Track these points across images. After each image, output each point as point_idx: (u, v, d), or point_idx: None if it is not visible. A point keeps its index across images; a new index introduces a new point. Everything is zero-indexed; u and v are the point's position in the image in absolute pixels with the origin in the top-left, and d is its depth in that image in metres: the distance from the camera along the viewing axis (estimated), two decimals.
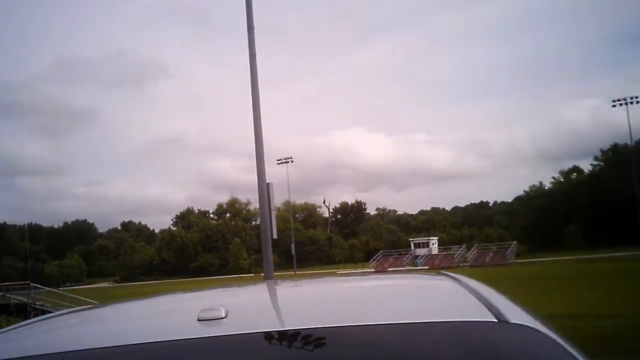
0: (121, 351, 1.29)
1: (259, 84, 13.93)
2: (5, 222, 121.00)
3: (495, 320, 1.29)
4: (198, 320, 1.38)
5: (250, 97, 13.83)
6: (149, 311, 1.99)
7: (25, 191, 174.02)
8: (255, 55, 13.95)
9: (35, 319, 2.02)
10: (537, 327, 1.30)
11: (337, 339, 1.27)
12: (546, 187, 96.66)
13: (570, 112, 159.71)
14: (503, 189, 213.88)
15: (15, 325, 1.86)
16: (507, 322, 1.29)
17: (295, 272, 63.85)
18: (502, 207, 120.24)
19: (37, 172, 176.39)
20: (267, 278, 13.43)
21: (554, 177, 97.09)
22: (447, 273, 2.16)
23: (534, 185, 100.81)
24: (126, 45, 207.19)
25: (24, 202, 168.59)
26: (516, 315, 1.36)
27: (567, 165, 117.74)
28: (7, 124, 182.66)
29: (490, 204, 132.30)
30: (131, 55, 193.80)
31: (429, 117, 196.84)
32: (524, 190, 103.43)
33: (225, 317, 1.39)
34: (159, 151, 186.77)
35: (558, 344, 1.24)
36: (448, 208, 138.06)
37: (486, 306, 1.40)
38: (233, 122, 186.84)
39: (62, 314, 2.08)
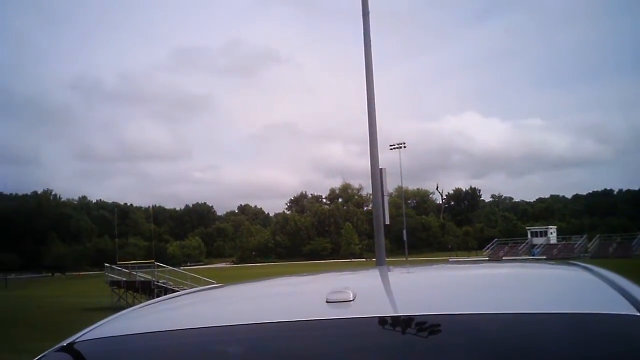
0: (252, 329, 1.33)
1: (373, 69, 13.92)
2: (132, 204, 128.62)
3: (638, 314, 1.21)
4: (327, 302, 1.39)
5: (364, 82, 13.81)
6: (277, 291, 2.03)
7: (149, 175, 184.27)
8: (370, 42, 13.87)
9: (166, 296, 2.13)
10: None
11: (459, 326, 1.25)
12: None
13: None
14: (629, 177, 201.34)
15: (146, 303, 1.96)
16: None
17: (406, 257, 63.50)
18: (627, 196, 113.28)
19: (159, 157, 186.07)
20: (379, 263, 13.49)
21: None
22: (577, 262, 2.05)
23: None
24: (240, 34, 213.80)
25: (148, 185, 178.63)
26: None
27: None
28: (131, 111, 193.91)
29: (615, 192, 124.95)
30: (244, 43, 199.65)
31: (545, 101, 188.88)
32: None
33: (353, 299, 1.39)
34: (272, 137, 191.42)
35: None
36: (568, 196, 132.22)
37: (625, 298, 1.31)
38: (345, 108, 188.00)
39: (188, 293, 2.17)
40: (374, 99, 13.81)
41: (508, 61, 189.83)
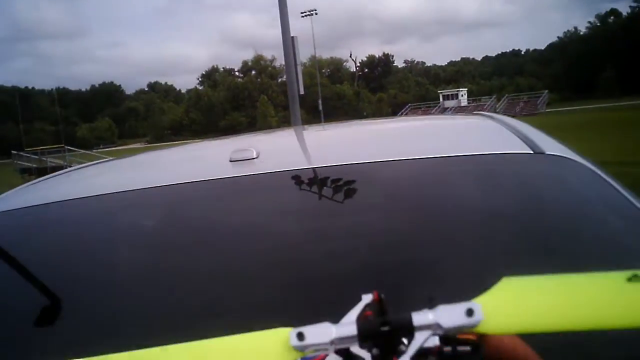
0: (158, 192, 1.33)
1: None
2: (33, 87, 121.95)
3: (531, 152, 1.30)
4: (230, 161, 1.41)
5: None
6: (181, 156, 2.02)
7: (48, 55, 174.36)
8: None
9: (70, 169, 2.05)
10: (574, 157, 1.31)
11: (369, 175, 1.29)
12: (581, 33, 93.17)
13: None
14: (536, 37, 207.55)
15: (52, 175, 1.87)
16: (542, 153, 1.30)
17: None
18: (534, 56, 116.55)
19: (58, 35, 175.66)
20: None
21: (589, 22, 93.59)
22: (482, 112, 2.11)
23: (568, 31, 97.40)
24: None
25: (48, 66, 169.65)
26: (552, 147, 1.36)
27: (604, 8, 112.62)
28: None
29: (523, 52, 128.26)
30: None
31: None
32: (558, 37, 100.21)
33: (257, 157, 1.41)
34: (178, 9, 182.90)
35: (594, 172, 1.25)
36: (478, 58, 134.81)
37: (522, 139, 1.40)
38: None
39: (94, 164, 2.06)
40: None
41: None
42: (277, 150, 1.72)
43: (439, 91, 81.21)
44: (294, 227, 1.20)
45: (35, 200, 1.43)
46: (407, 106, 76.14)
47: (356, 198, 1.24)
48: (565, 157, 1.31)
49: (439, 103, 74.44)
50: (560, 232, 1.11)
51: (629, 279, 0.54)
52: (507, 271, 0.62)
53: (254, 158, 1.41)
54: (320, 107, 62.03)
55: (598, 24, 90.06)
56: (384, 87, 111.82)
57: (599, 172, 1.26)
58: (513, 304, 0.57)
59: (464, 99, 73.29)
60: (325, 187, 1.27)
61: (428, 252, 1.08)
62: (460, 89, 76.58)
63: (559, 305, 0.56)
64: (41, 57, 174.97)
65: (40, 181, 1.77)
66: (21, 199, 1.51)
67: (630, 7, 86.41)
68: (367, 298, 0.70)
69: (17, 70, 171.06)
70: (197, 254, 1.15)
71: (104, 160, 2.15)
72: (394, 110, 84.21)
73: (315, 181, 1.30)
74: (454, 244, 1.08)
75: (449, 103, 72.68)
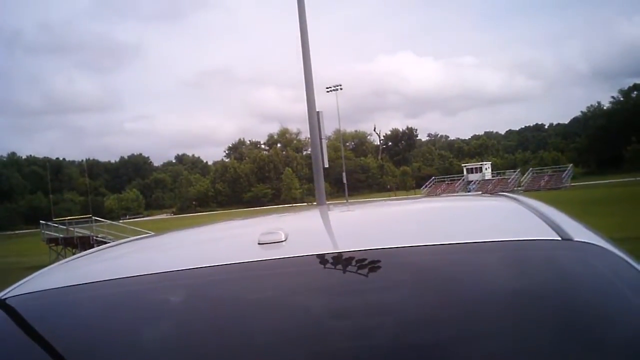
0: (186, 274, 1.33)
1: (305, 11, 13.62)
2: (64, 159, 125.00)
3: (559, 239, 1.27)
4: (259, 244, 1.40)
5: (298, 25, 13.54)
6: (210, 237, 2.01)
7: (80, 128, 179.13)
8: None
9: (100, 247, 2.05)
10: (603, 244, 1.27)
11: (394, 260, 1.27)
12: (605, 107, 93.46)
13: (626, 27, 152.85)
14: (559, 111, 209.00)
15: (78, 255, 1.88)
16: (571, 240, 1.27)
17: (346, 199, 64.18)
18: (557, 129, 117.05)
19: (89, 108, 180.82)
20: (320, 205, 13.52)
21: (612, 97, 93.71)
22: (506, 194, 2.10)
23: (591, 105, 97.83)
24: None
25: (80, 138, 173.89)
26: (580, 233, 1.33)
27: (627, 83, 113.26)
28: (56, 62, 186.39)
29: (546, 127, 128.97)
30: None
31: (477, 39, 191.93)
32: (581, 111, 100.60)
33: (285, 240, 1.40)
34: (206, 84, 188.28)
35: (625, 261, 1.22)
36: (502, 132, 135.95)
37: (549, 225, 1.37)
38: (278, 52, 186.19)
39: (123, 243, 2.10)
40: (308, 40, 13.60)
41: (440, 1, 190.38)
42: (305, 233, 1.74)
43: (462, 164, 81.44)
44: (320, 311, 1.20)
45: (66, 281, 1.46)
46: (432, 179, 76.30)
47: (381, 284, 1.24)
48: (594, 244, 1.27)
49: (462, 176, 74.53)
50: (597, 327, 1.06)
51: None
52: None
53: (282, 241, 1.40)
54: (345, 180, 62.52)
55: (621, 99, 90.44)
56: (407, 160, 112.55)
57: (628, 260, 1.22)
58: None
59: (487, 172, 73.34)
60: (351, 272, 1.27)
61: (453, 345, 1.04)
62: (484, 163, 76.77)
63: None
64: (72, 128, 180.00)
65: (73, 259, 1.84)
66: (44, 280, 1.54)
67: None
68: None
69: (49, 142, 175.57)
70: (230, 337, 1.16)
71: (136, 238, 2.22)
72: (418, 183, 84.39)
73: (341, 266, 1.30)
74: (480, 338, 1.05)
75: (473, 176, 72.74)
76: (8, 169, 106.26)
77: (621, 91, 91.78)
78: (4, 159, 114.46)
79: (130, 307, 1.33)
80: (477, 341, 1.05)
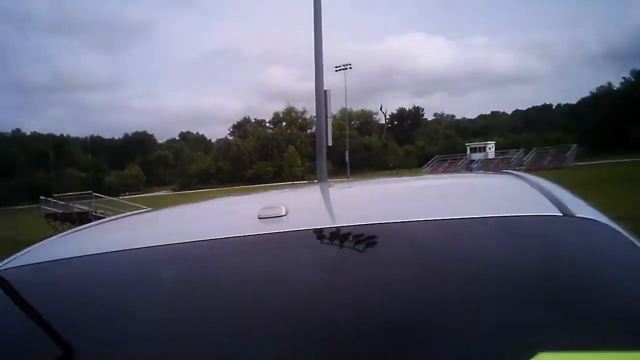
0: (184, 248, 1.34)
1: None
2: (68, 135, 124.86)
3: (561, 214, 1.29)
4: (259, 218, 1.42)
5: (309, 4, 13.36)
6: (211, 211, 2.02)
7: (86, 105, 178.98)
8: None
9: (99, 221, 2.02)
10: (604, 221, 1.30)
11: (393, 234, 1.29)
12: (615, 88, 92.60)
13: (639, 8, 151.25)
14: (569, 92, 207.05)
15: (76, 229, 1.89)
16: (572, 215, 1.29)
17: (348, 178, 63.98)
18: (565, 110, 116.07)
19: (96, 86, 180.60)
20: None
21: (624, 77, 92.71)
22: (510, 171, 2.11)
23: (601, 86, 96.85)
24: None
25: (84, 115, 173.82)
26: (582, 209, 1.35)
27: (638, 65, 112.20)
28: (65, 39, 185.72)
29: (554, 107, 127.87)
30: None
31: (489, 19, 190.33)
32: (590, 92, 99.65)
33: (285, 215, 1.42)
34: (214, 63, 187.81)
35: (624, 236, 1.23)
36: (509, 112, 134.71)
37: (551, 201, 1.40)
38: (287, 32, 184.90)
39: (121, 217, 2.06)
40: (320, 19, 13.44)
41: None
42: (306, 208, 1.71)
43: (466, 144, 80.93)
44: (318, 284, 1.19)
45: (61, 254, 1.45)
46: (434, 158, 76.03)
47: (380, 257, 1.24)
48: (595, 220, 1.29)
49: (465, 155, 74.13)
50: (594, 302, 1.07)
51: None
52: (539, 343, 0.55)
53: (282, 215, 1.42)
54: (347, 158, 62.29)
55: (632, 80, 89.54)
56: (412, 140, 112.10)
57: (629, 236, 1.23)
58: None
59: (491, 152, 72.91)
60: (351, 247, 1.27)
61: (452, 318, 1.03)
62: (488, 142, 76.31)
63: None
64: (78, 106, 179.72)
65: (69, 233, 1.79)
66: (41, 253, 1.52)
67: None
68: None
69: (55, 119, 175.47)
70: (224, 310, 1.15)
71: (134, 212, 2.13)
72: (420, 162, 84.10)
73: (341, 240, 1.30)
74: (479, 312, 1.04)
75: (476, 156, 72.34)
76: (11, 146, 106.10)
77: (633, 72, 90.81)
78: (9, 135, 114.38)
79: (125, 280, 1.33)
80: (477, 314, 1.04)
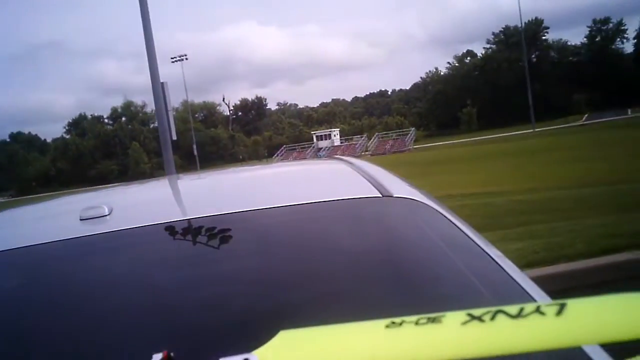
0: (4, 256, 1.29)
1: None
2: None
3: (380, 195, 1.39)
4: (80, 219, 1.37)
5: None
6: (31, 216, 1.95)
7: None
8: None
9: None
10: (420, 199, 1.41)
11: (228, 225, 1.30)
12: (442, 73, 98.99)
13: None
14: (401, 78, 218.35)
15: None
16: (390, 196, 1.39)
17: (198, 171, 63.06)
18: (400, 95, 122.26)
19: None
20: None
21: (449, 62, 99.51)
22: (340, 157, 2.22)
23: (430, 71, 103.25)
24: None
25: None
26: (400, 190, 1.46)
27: (462, 50, 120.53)
28: None
29: (389, 93, 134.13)
30: None
31: (319, 8, 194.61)
32: (420, 77, 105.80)
33: (109, 214, 1.38)
34: (40, 56, 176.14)
35: (439, 213, 1.35)
36: (349, 99, 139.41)
37: (372, 183, 1.50)
38: (116, 23, 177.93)
39: None
40: (147, 8, 12.96)
41: None
42: (132, 205, 1.70)
43: (312, 132, 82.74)
44: (145, 286, 1.19)
45: None
46: (283, 148, 76.95)
47: (213, 252, 1.24)
48: (411, 199, 1.40)
49: (312, 144, 75.79)
50: (408, 274, 1.17)
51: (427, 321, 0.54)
52: (338, 315, 0.62)
53: (105, 215, 1.37)
54: (195, 152, 61.47)
55: (456, 64, 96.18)
56: (258, 130, 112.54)
57: (443, 212, 1.35)
58: (289, 356, 0.57)
59: (336, 139, 75.05)
60: (184, 242, 1.28)
61: (291, 302, 1.09)
62: (333, 129, 78.46)
63: (335, 355, 0.55)
64: None
65: None
66: None
67: (484, 48, 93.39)
68: (157, 357, 0.72)
69: None
70: (66, 319, 1.12)
71: None
72: (269, 152, 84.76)
73: (175, 236, 1.29)
74: (314, 292, 1.11)
75: (323, 143, 74.15)
76: None
77: (456, 57, 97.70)
78: None
79: None
80: (312, 295, 1.10)
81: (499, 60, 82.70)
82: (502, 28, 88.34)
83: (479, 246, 1.23)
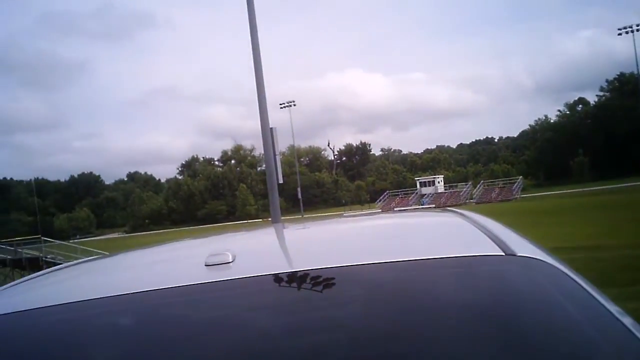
0: (132, 298, 1.32)
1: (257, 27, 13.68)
2: (11, 178, 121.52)
3: (502, 254, 1.30)
4: (205, 265, 1.41)
5: (248, 42, 13.59)
6: (157, 258, 1.98)
7: (26, 147, 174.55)
8: (253, 1, 13.67)
9: (45, 270, 2.01)
10: (545, 259, 1.31)
11: (343, 278, 1.29)
12: (552, 121, 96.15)
13: (568, 43, 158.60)
14: (508, 125, 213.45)
15: (26, 278, 1.85)
16: (514, 255, 1.30)
17: (302, 215, 64.10)
18: (507, 143, 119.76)
19: (36, 127, 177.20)
20: (274, 222, 13.49)
21: (559, 110, 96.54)
22: (454, 209, 2.15)
23: (539, 119, 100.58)
24: None
25: (26, 158, 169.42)
26: (523, 248, 1.37)
27: (572, 97, 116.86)
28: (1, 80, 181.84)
29: (496, 140, 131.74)
30: (117, 7, 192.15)
31: (425, 55, 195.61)
32: (529, 125, 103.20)
33: (232, 261, 1.41)
34: (156, 101, 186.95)
35: (565, 274, 1.26)
36: (453, 146, 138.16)
37: (493, 240, 1.41)
38: (229, 70, 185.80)
39: (70, 265, 2.07)
40: (259, 57, 13.63)
41: (388, 17, 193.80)
42: (254, 253, 1.77)
43: (415, 178, 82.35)
44: (268, 330, 1.20)
45: (14, 306, 1.42)
46: (386, 193, 77.00)
47: (329, 302, 1.25)
48: (537, 259, 1.31)
49: (416, 190, 75.35)
50: (532, 337, 1.10)
51: None
52: None
53: (229, 262, 1.41)
54: (300, 195, 62.56)
55: (567, 112, 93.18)
56: (362, 175, 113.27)
57: (569, 273, 1.26)
58: None
59: (440, 186, 74.34)
60: (300, 292, 1.29)
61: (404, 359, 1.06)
62: (437, 176, 77.86)
63: None
64: (20, 148, 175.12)
65: (20, 283, 1.80)
66: (2, 303, 1.50)
67: (597, 95, 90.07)
68: None
69: None
70: (177, 356, 1.15)
71: (83, 260, 2.21)
72: (372, 197, 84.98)
73: (291, 286, 1.31)
74: (430, 352, 1.07)
75: (426, 190, 73.61)
76: None
77: (567, 104, 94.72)
78: None
79: (77, 332, 1.30)
80: (428, 356, 1.06)
81: (614, 109, 79.31)
82: (617, 75, 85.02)
83: (614, 316, 1.12)
